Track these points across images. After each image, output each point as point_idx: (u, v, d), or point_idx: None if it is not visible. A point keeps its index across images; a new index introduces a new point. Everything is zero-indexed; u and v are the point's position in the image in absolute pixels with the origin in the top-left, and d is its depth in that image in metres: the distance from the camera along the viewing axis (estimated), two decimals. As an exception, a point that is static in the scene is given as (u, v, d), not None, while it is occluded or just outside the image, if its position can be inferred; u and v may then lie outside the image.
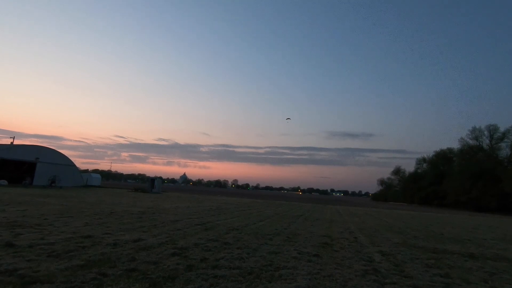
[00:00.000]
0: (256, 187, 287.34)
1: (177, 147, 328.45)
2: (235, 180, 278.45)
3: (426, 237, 12.57)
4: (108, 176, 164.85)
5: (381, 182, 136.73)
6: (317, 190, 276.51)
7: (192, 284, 4.49)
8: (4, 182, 34.34)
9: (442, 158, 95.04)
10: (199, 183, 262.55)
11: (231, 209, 20.20)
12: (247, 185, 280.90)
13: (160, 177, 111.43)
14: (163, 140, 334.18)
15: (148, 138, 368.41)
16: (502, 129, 73.58)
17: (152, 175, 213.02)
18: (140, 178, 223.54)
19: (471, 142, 78.94)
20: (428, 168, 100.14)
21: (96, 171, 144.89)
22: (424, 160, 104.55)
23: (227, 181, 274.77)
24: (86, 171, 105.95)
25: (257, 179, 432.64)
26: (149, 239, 7.67)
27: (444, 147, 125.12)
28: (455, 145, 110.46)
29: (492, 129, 75.14)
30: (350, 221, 17.99)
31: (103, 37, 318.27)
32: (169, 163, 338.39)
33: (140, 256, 5.84)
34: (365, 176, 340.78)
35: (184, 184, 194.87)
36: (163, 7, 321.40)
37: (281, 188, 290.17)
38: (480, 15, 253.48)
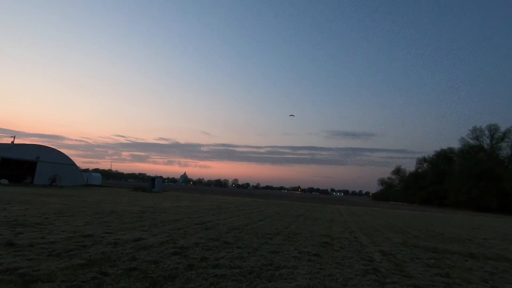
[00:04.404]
0: (257, 187, 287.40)
1: (178, 147, 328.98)
2: (236, 180, 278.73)
3: (427, 236, 12.56)
4: (108, 175, 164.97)
5: (382, 181, 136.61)
6: (318, 190, 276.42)
7: (192, 283, 4.49)
8: (5, 181, 34.40)
9: (443, 158, 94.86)
10: (199, 182, 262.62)
11: (232, 209, 20.21)
12: (248, 184, 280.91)
13: (161, 177, 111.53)
14: (164, 139, 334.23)
15: (149, 137, 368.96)
16: (502, 129, 73.55)
17: (152, 174, 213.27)
18: (140, 178, 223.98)
19: (471, 141, 78.91)
20: (429, 168, 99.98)
21: (96, 170, 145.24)
22: (424, 159, 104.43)
23: (228, 180, 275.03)
24: (87, 170, 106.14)
25: (257, 178, 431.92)
26: (150, 238, 7.68)
27: (445, 146, 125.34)
28: (456, 144, 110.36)
29: (493, 129, 75.08)
30: (350, 220, 17.98)
31: (104, 37, 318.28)
32: (169, 163, 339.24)
33: (141, 255, 5.85)
34: (366, 176, 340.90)
35: (184, 184, 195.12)
36: (164, 6, 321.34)
37: (281, 188, 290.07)
38: (480, 15, 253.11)
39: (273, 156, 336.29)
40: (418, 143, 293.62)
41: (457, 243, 11.12)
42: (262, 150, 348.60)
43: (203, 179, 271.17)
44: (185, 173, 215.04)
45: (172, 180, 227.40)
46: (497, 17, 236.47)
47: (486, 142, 77.09)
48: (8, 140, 42.81)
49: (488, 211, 59.92)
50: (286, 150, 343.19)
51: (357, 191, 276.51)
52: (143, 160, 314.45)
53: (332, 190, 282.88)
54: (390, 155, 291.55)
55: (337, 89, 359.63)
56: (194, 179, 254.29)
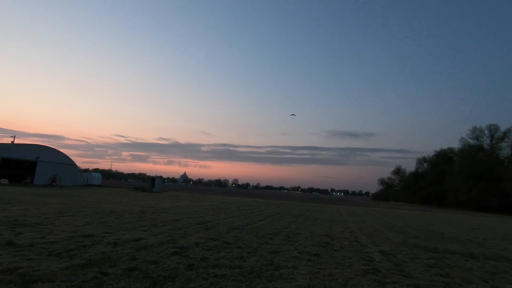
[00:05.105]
0: (257, 187, 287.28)
1: (178, 146, 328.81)
2: (236, 180, 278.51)
3: (427, 236, 12.56)
4: (108, 175, 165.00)
5: (382, 181, 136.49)
6: (318, 190, 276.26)
7: (192, 283, 4.49)
8: (5, 181, 34.41)
9: (443, 158, 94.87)
10: (199, 182, 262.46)
11: (232, 209, 20.21)
12: (248, 184, 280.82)
13: (161, 177, 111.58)
14: (164, 139, 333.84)
15: (149, 137, 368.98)
16: (502, 129, 73.55)
17: (152, 174, 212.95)
18: (140, 178, 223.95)
19: (471, 141, 78.92)
20: (429, 168, 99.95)
21: (96, 170, 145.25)
22: (424, 159, 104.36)
23: (228, 180, 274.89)
24: (87, 170, 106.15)
25: (257, 178, 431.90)
26: (150, 238, 7.68)
27: (445, 146, 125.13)
28: (456, 144, 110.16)
29: (493, 129, 75.09)
30: (350, 220, 17.98)
31: (104, 37, 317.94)
32: (169, 163, 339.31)
33: (141, 255, 5.85)
34: (366, 176, 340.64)
35: (184, 184, 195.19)
36: (164, 6, 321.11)
37: (281, 188, 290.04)
38: (480, 15, 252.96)
39: (273, 156, 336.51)
40: (418, 143, 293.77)
41: (457, 243, 11.12)
42: (262, 150, 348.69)
43: (203, 179, 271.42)
44: (185, 173, 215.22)
45: (172, 180, 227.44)
46: (498, 17, 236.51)
47: (486, 142, 77.18)
48: (8, 140, 42.84)
49: (488, 211, 59.91)
50: (286, 150, 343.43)
51: (357, 191, 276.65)
52: (143, 160, 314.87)
53: (332, 190, 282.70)
54: (390, 155, 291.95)
55: (337, 89, 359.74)
56: (194, 179, 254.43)
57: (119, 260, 5.41)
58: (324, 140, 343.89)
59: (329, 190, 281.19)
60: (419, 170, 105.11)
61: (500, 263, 7.98)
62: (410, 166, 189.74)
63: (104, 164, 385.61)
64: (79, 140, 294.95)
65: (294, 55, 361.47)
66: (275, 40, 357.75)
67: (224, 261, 5.89)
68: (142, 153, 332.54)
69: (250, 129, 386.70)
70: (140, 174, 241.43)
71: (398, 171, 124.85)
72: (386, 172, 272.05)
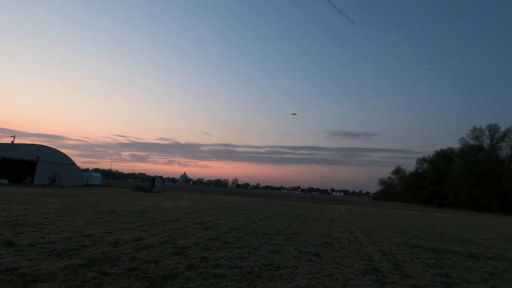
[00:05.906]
0: (257, 187, 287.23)
1: (178, 146, 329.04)
2: (236, 180, 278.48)
3: (427, 236, 12.56)
4: (108, 175, 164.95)
5: (382, 181, 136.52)
6: (318, 190, 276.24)
7: (192, 283, 4.49)
8: (5, 181, 34.40)
9: (443, 158, 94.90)
10: (199, 182, 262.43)
11: (232, 209, 20.21)
12: (248, 184, 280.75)
13: (161, 176, 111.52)
14: (164, 139, 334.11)
15: (149, 137, 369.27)
16: (502, 129, 73.77)
17: (152, 174, 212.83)
18: (140, 177, 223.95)
19: (471, 141, 79.04)
20: (429, 168, 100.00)
21: (96, 170, 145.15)
22: (424, 159, 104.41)
23: (228, 180, 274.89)
24: (87, 170, 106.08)
25: (257, 178, 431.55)
26: (150, 238, 7.68)
27: (445, 146, 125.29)
28: (456, 144, 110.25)
29: (493, 129, 75.22)
30: (350, 220, 17.98)
31: (104, 37, 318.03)
32: (169, 162, 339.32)
33: (141, 255, 5.85)
34: (366, 176, 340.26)
35: (184, 183, 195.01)
36: (164, 6, 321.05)
37: (281, 188, 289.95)
38: (480, 15, 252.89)
39: (273, 156, 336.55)
40: (418, 143, 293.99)
41: (457, 243, 11.12)
42: (262, 150, 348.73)
43: (203, 179, 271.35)
44: (185, 173, 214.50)
45: (172, 180, 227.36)
46: (498, 16, 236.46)
47: (486, 142, 77.26)
48: (8, 140, 42.83)
49: (488, 211, 59.91)
50: (286, 150, 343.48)
51: (357, 191, 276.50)
52: (143, 160, 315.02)
53: (332, 190, 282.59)
54: (390, 155, 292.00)
55: (337, 89, 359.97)
56: (194, 179, 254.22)
57: (119, 260, 5.41)
58: (324, 140, 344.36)
59: (329, 190, 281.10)
60: (419, 170, 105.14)
61: (500, 263, 7.98)
62: (410, 166, 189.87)
63: (104, 164, 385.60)
64: (79, 140, 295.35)
65: (294, 55, 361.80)
66: (275, 40, 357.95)
67: (224, 261, 5.89)
68: (142, 153, 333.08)
69: (250, 129, 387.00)
70: (140, 174, 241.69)
71: (398, 171, 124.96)
72: (386, 172, 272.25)
